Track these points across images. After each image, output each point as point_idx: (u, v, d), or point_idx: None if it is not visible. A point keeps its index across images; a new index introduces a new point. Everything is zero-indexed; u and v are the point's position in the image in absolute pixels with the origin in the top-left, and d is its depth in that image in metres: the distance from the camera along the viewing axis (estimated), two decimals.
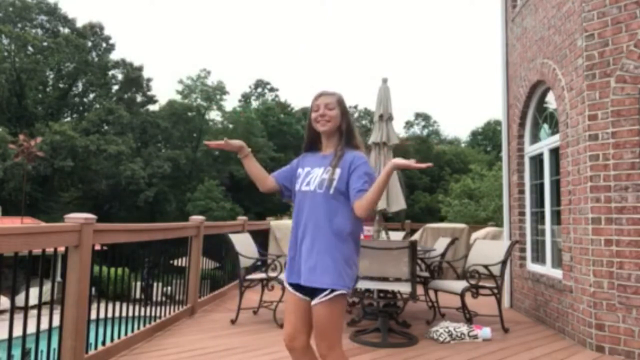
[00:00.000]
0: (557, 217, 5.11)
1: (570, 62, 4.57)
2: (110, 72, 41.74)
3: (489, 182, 25.71)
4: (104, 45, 41.55)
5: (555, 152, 5.16)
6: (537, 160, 5.75)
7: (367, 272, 4.33)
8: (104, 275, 4.09)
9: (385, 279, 4.39)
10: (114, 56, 41.82)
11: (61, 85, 41.37)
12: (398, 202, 5.36)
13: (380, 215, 5.51)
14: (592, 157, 4.17)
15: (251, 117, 43.29)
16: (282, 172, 2.53)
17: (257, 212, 32.34)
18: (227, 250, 6.36)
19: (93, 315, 3.64)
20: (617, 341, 3.95)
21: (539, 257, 5.66)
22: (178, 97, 44.52)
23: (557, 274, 4.92)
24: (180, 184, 39.14)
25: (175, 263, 5.68)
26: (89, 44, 40.19)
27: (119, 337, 3.84)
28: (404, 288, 4.28)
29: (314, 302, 2.22)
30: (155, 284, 4.78)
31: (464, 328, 4.46)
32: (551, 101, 5.37)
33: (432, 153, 47.15)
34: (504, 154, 6.46)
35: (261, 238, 7.78)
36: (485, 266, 4.73)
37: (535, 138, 5.89)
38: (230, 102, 59.48)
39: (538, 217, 5.76)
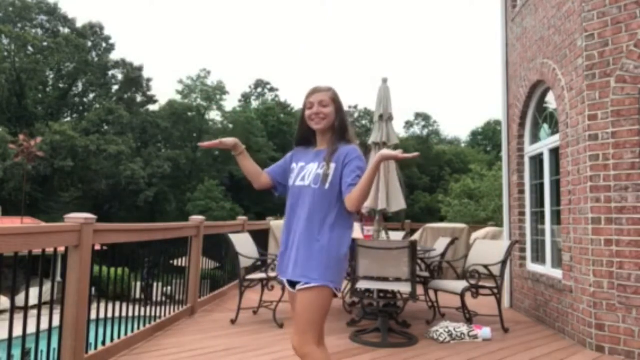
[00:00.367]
0: (557, 217, 5.11)
1: (570, 62, 4.57)
2: (110, 72, 41.75)
3: (489, 182, 25.75)
4: (104, 45, 41.56)
5: (555, 152, 5.16)
6: (537, 160, 5.75)
7: (367, 272, 4.33)
8: (104, 275, 4.09)
9: (385, 279, 4.39)
10: (114, 56, 41.87)
11: (61, 85, 41.37)
12: (398, 202, 5.36)
13: (380, 215, 5.50)
14: (592, 157, 4.17)
15: (251, 117, 43.30)
16: (275, 167, 2.53)
17: (257, 212, 32.34)
18: (227, 250, 6.36)
19: (93, 315, 3.64)
20: (617, 341, 3.95)
21: (539, 257, 5.66)
22: (178, 97, 44.55)
23: (557, 274, 4.92)
24: (180, 184, 39.14)
25: (175, 263, 5.68)
26: (89, 44, 40.19)
27: (119, 337, 3.84)
28: (404, 288, 4.28)
29: (297, 287, 2.20)
30: (155, 284, 4.78)
31: (464, 328, 4.46)
32: (551, 101, 5.37)
33: (432, 153, 47.18)
34: (504, 154, 6.46)
35: (261, 238, 7.78)
36: (485, 266, 4.73)
37: (535, 138, 5.89)
38: (230, 102, 59.52)
39: (538, 217, 5.76)
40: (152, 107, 42.84)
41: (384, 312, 4.43)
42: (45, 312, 3.28)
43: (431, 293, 5.35)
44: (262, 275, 5.02)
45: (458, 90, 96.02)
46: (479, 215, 24.21)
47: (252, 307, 5.32)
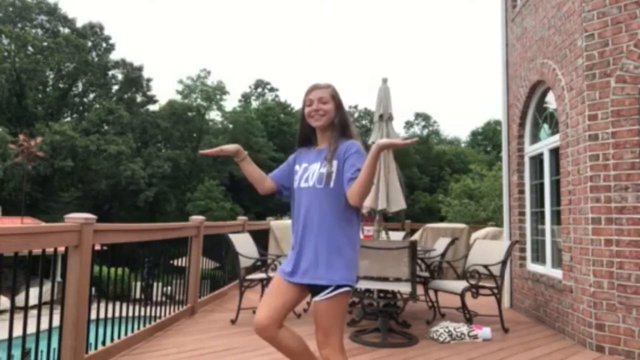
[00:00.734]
0: (557, 217, 5.11)
1: (570, 62, 4.57)
2: (110, 72, 41.76)
3: (489, 182, 25.74)
4: (104, 45, 41.57)
5: (555, 152, 5.16)
6: (537, 160, 5.75)
7: (367, 272, 4.33)
8: (104, 275, 4.09)
9: (385, 279, 4.39)
10: (114, 56, 41.90)
11: (61, 85, 41.37)
12: (398, 202, 5.36)
13: (380, 215, 5.50)
14: (592, 157, 4.17)
15: (251, 117, 43.30)
16: (279, 171, 2.50)
17: (257, 212, 32.37)
18: (227, 250, 6.36)
19: (93, 315, 3.64)
20: (617, 341, 3.95)
21: (539, 257, 5.66)
22: (178, 97, 44.55)
23: (557, 274, 4.92)
24: (180, 184, 39.15)
25: (175, 263, 5.68)
26: (89, 44, 40.20)
27: (119, 337, 3.84)
28: (404, 288, 4.28)
29: (317, 298, 2.19)
30: (155, 284, 4.78)
31: (464, 328, 4.46)
32: (551, 101, 5.36)
33: (432, 153, 47.20)
34: (504, 154, 6.46)
35: (261, 238, 7.78)
36: (485, 266, 4.73)
37: (535, 138, 5.89)
38: (230, 102, 59.46)
39: (538, 217, 5.76)
40: (152, 107, 42.90)
41: (384, 312, 4.43)
42: (45, 312, 3.28)
43: (431, 293, 5.35)
44: (262, 275, 5.02)
45: (458, 90, 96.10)
46: (479, 215, 24.20)
47: (252, 307, 5.32)
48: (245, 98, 52.41)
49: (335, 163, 2.24)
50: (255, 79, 61.49)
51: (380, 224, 5.52)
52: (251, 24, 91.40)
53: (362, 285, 4.39)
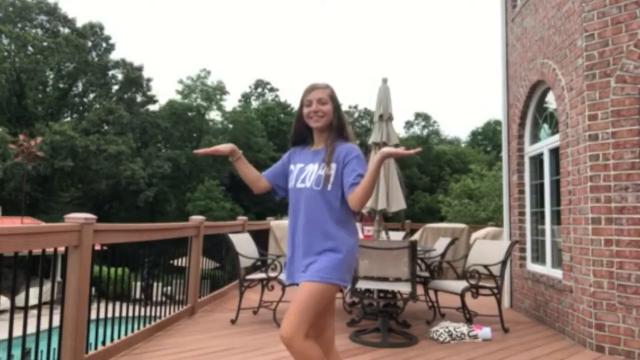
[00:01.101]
0: (557, 217, 5.11)
1: (570, 62, 4.57)
2: (110, 72, 41.76)
3: (489, 182, 25.76)
4: (104, 45, 41.57)
5: (555, 152, 5.16)
6: (537, 160, 5.75)
7: (367, 272, 4.33)
8: (104, 275, 4.08)
9: (385, 279, 4.39)
10: (114, 56, 41.88)
11: (61, 85, 41.38)
12: (398, 202, 5.36)
13: (380, 215, 5.50)
14: (592, 157, 4.17)
15: (251, 117, 43.30)
16: (272, 170, 2.50)
17: (257, 212, 32.36)
18: (227, 250, 6.36)
19: (93, 315, 3.64)
20: (617, 341, 3.95)
21: (539, 257, 5.66)
22: (178, 97, 44.57)
23: (557, 274, 4.92)
24: (180, 184, 39.16)
25: (175, 263, 5.68)
26: (89, 44, 40.20)
27: (119, 337, 3.84)
28: (404, 288, 4.28)
29: (303, 279, 2.16)
30: (155, 284, 4.78)
31: (464, 328, 4.46)
32: (551, 101, 5.37)
33: (432, 153, 47.19)
34: (504, 154, 6.46)
35: (261, 238, 7.78)
36: (485, 266, 4.73)
37: (535, 138, 5.89)
38: (230, 102, 59.57)
39: (538, 217, 5.76)
40: (152, 107, 42.90)
41: (384, 312, 4.43)
42: (45, 312, 3.29)
43: (431, 293, 5.35)
44: (262, 275, 5.02)
45: (458, 90, 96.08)
46: (479, 215, 24.22)
47: (252, 307, 5.32)
48: (245, 98, 52.43)
49: (333, 166, 2.24)
50: (255, 79, 61.55)
51: (380, 224, 5.52)
52: (251, 24, 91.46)
53: (362, 285, 4.39)
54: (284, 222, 8.53)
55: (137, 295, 4.64)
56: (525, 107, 5.90)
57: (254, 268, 5.34)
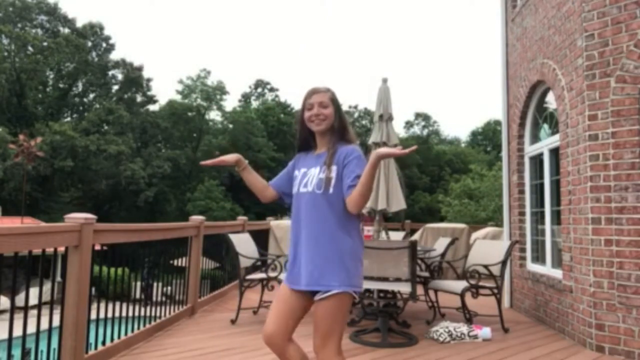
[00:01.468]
0: (557, 217, 5.11)
1: (570, 62, 4.57)
2: (110, 72, 41.75)
3: (489, 182, 25.77)
4: (104, 45, 41.56)
5: (555, 152, 5.16)
6: (537, 160, 5.75)
7: (367, 272, 4.33)
8: (104, 275, 4.08)
9: (385, 279, 4.39)
10: (114, 56, 41.89)
11: (61, 85, 41.38)
12: (398, 202, 5.35)
13: (380, 215, 5.50)
14: (592, 157, 4.17)
15: (251, 117, 43.30)
16: (279, 178, 2.49)
17: (257, 212, 32.34)
18: (227, 250, 6.36)
19: (93, 315, 3.64)
20: (617, 341, 3.95)
21: (539, 257, 5.66)
22: (178, 97, 44.58)
23: (557, 274, 4.92)
24: (180, 184, 39.15)
25: (175, 263, 5.68)
26: (89, 44, 40.19)
27: (119, 337, 3.84)
28: (404, 288, 4.28)
29: (316, 298, 2.17)
30: (155, 284, 4.78)
31: (464, 328, 4.46)
32: (551, 101, 5.36)
33: (432, 153, 47.21)
34: (504, 154, 6.46)
35: (261, 238, 7.78)
36: (485, 266, 4.73)
37: (535, 138, 5.89)
38: (230, 102, 59.63)
39: (538, 217, 5.76)
40: (152, 107, 42.90)
41: (384, 312, 4.43)
42: (45, 312, 3.29)
43: (431, 293, 5.35)
44: (262, 275, 5.02)
45: (458, 90, 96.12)
46: (479, 215, 24.22)
47: (252, 307, 5.32)
48: (245, 98, 52.43)
49: (334, 168, 2.23)
50: (255, 79, 61.58)
51: (380, 224, 5.52)
52: (251, 24, 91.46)
53: (362, 285, 4.38)
54: (284, 222, 8.53)
55: (137, 295, 4.64)
56: (525, 107, 5.90)
57: (254, 268, 5.34)
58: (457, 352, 4.03)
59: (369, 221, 5.79)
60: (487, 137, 54.94)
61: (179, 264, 5.53)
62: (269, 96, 52.81)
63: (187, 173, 40.64)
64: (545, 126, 5.64)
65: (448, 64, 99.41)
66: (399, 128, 55.52)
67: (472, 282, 4.67)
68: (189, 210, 33.34)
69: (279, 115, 47.56)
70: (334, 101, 2.34)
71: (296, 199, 2.33)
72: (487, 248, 5.26)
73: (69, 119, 41.13)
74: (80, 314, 3.26)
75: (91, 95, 42.70)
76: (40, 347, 3.02)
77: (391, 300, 4.77)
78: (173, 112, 41.91)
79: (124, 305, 4.07)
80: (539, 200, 5.72)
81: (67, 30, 39.62)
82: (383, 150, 2.11)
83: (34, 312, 3.29)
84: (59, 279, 3.90)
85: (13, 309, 2.74)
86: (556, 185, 5.09)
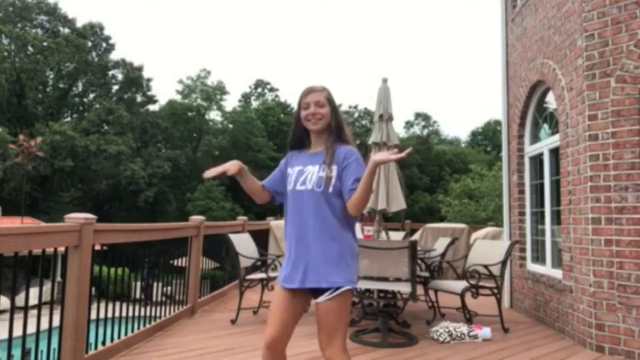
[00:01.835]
0: (557, 217, 5.11)
1: (570, 62, 4.57)
2: (110, 72, 41.75)
3: (489, 182, 25.77)
4: (104, 45, 41.55)
5: (555, 152, 5.16)
6: (537, 160, 5.75)
7: (367, 272, 4.33)
8: (104, 275, 4.09)
9: (385, 279, 4.39)
10: (114, 56, 41.88)
11: (61, 85, 41.37)
12: (398, 202, 5.35)
13: (380, 215, 5.50)
14: (592, 157, 4.17)
15: (251, 117, 43.30)
16: (272, 178, 2.48)
17: (257, 212, 32.31)
18: (227, 250, 6.36)
19: (93, 315, 3.64)
20: (617, 341, 3.95)
21: (539, 257, 5.66)
22: (178, 97, 44.57)
23: (557, 274, 4.92)
24: (180, 184, 39.15)
25: (175, 263, 5.68)
26: (89, 44, 40.19)
27: (119, 337, 3.84)
28: (404, 288, 4.28)
29: (319, 299, 2.18)
30: (155, 284, 4.78)
31: (464, 328, 4.46)
32: (551, 101, 5.36)
33: (432, 153, 47.21)
34: (504, 154, 6.46)
35: (261, 238, 7.78)
36: (485, 266, 4.73)
37: (535, 138, 5.89)
38: (230, 102, 59.57)
39: (538, 217, 5.76)
40: (152, 107, 42.89)
41: (384, 312, 4.43)
42: (45, 312, 3.29)
43: (431, 293, 5.35)
44: (262, 275, 5.02)
45: (458, 90, 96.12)
46: (479, 215, 24.22)
47: (252, 307, 5.32)
48: (245, 98, 52.43)
49: (334, 168, 2.24)
50: (255, 79, 61.51)
51: (380, 224, 5.52)
52: (251, 24, 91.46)
53: (362, 285, 4.39)
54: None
55: (137, 295, 4.64)
56: (525, 107, 5.90)
57: (254, 268, 5.34)
58: (457, 352, 4.03)
59: (369, 221, 5.79)
60: (487, 137, 54.94)
61: (179, 264, 5.53)
62: (269, 96, 52.83)
63: (187, 173, 40.63)
64: (545, 126, 5.64)
65: (448, 64, 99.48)
66: (399, 128, 55.56)
67: (472, 282, 4.67)
68: (189, 210, 33.34)
69: (279, 115, 47.56)
70: (330, 100, 2.34)
71: (292, 196, 2.32)
72: (487, 248, 5.26)
73: (69, 119, 41.13)
74: (80, 314, 3.26)
75: (91, 95, 42.70)
76: (40, 347, 3.02)
77: (391, 300, 4.77)
78: (173, 112, 41.91)
79: (124, 305, 4.06)
80: (539, 200, 5.72)
81: (67, 30, 39.61)
82: (380, 156, 2.11)
83: (34, 312, 3.28)
84: (59, 279, 3.90)
85: (13, 309, 2.74)
86: (556, 185, 5.09)
